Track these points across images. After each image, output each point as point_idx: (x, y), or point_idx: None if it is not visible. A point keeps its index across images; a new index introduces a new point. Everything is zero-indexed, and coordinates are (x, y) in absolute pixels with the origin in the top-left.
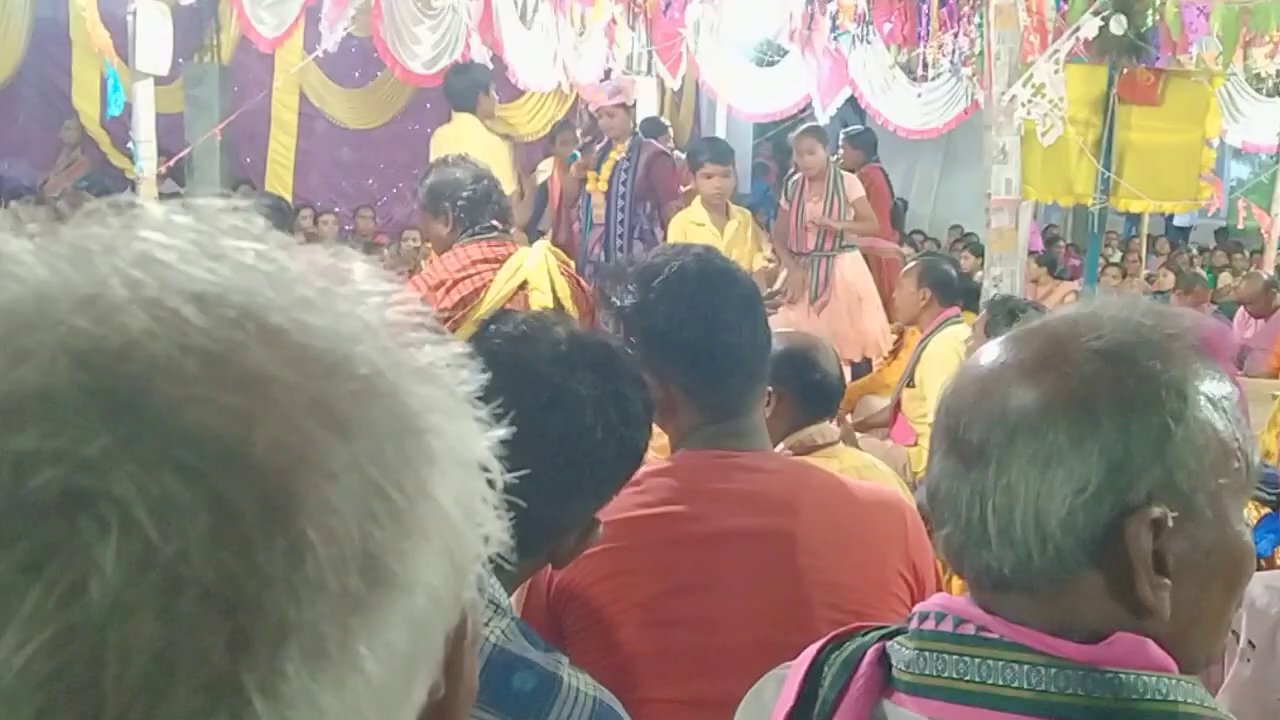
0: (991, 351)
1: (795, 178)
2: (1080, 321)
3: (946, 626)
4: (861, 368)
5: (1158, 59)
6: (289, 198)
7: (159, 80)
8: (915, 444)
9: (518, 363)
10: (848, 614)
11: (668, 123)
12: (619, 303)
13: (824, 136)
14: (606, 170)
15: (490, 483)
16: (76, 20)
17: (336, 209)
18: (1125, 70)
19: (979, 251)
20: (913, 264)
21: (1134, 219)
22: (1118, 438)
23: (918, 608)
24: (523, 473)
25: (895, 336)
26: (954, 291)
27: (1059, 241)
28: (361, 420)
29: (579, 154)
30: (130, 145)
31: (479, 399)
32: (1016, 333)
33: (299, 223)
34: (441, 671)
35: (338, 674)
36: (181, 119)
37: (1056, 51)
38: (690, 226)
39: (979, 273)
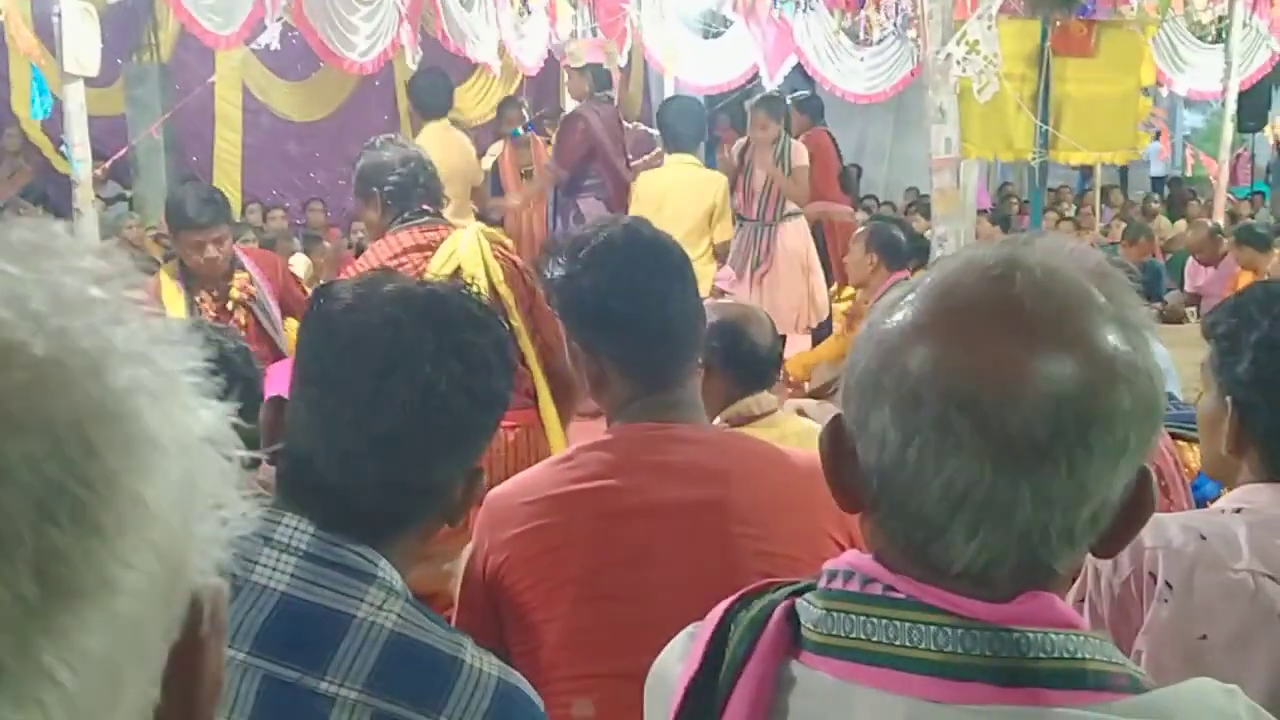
0: (979, 316)
1: (746, 147)
2: (1043, 271)
3: (854, 585)
4: (821, 334)
5: (1091, 10)
6: (237, 192)
7: (98, 82)
8: None
9: (352, 332)
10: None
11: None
12: (549, 274)
13: (778, 109)
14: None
15: (228, 457)
16: (8, 22)
17: (287, 204)
18: (1058, 23)
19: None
20: (861, 229)
21: (1087, 172)
22: (1151, 410)
23: (826, 565)
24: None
25: (850, 300)
26: (902, 254)
27: (1011, 199)
28: (33, 412)
29: (527, 127)
30: (64, 149)
31: (319, 375)
32: (990, 290)
33: (247, 218)
34: (172, 669)
35: (19, 688)
36: (123, 121)
37: (989, 8)
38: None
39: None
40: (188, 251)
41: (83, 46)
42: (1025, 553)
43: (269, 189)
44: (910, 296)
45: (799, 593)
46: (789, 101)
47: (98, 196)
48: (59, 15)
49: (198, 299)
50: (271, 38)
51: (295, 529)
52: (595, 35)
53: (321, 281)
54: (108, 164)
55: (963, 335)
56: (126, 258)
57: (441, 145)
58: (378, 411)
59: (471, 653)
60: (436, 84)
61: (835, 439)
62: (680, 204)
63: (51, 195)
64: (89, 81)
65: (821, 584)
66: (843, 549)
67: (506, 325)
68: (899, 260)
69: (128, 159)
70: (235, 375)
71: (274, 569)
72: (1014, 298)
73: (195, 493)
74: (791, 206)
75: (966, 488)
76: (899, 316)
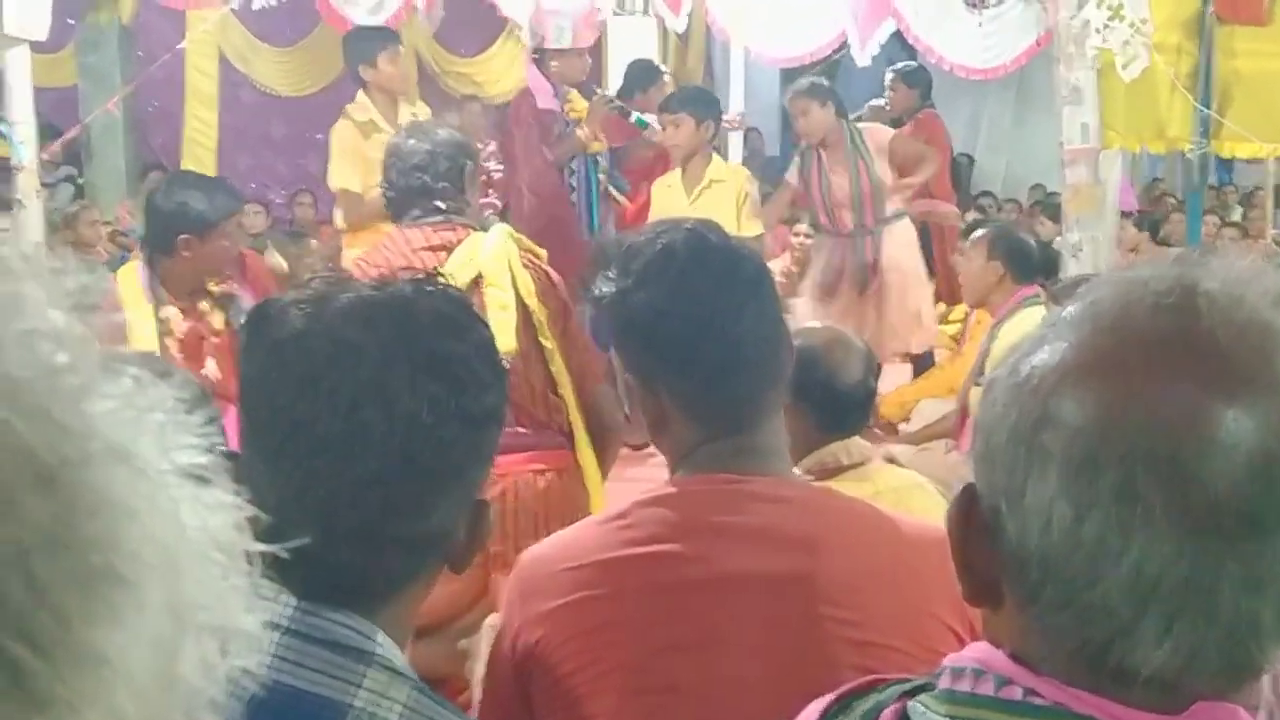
0: (1162, 354)
1: (808, 148)
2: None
3: (986, 688)
4: (924, 363)
5: None
6: None
7: (40, 47)
8: None
9: (305, 364)
10: None
11: (664, 68)
12: (597, 292)
13: (824, 94)
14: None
15: (233, 563)
16: None
17: (270, 195)
18: None
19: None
20: (980, 232)
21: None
22: None
23: (948, 660)
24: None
25: (959, 323)
26: (1032, 265)
27: (1166, 198)
28: None
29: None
30: (3, 128)
31: (272, 420)
32: (1169, 322)
33: None
34: None
35: None
36: (76, 93)
37: None
38: (663, 189)
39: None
40: (222, 245)
41: (30, 3)
42: (1229, 650)
43: (251, 177)
44: (1061, 328)
45: (912, 693)
46: (890, 74)
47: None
48: None
49: (161, 317)
50: None
51: (273, 603)
52: None
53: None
54: (55, 145)
55: (1144, 379)
56: (101, 283)
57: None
58: (353, 455)
59: None
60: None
61: (968, 515)
62: (709, 204)
63: None
64: (35, 46)
65: (942, 684)
66: (959, 640)
67: (540, 346)
68: (1028, 272)
69: (79, 139)
70: None
71: None
72: (1203, 332)
73: (182, 624)
74: (894, 205)
75: (1160, 571)
76: (1050, 354)
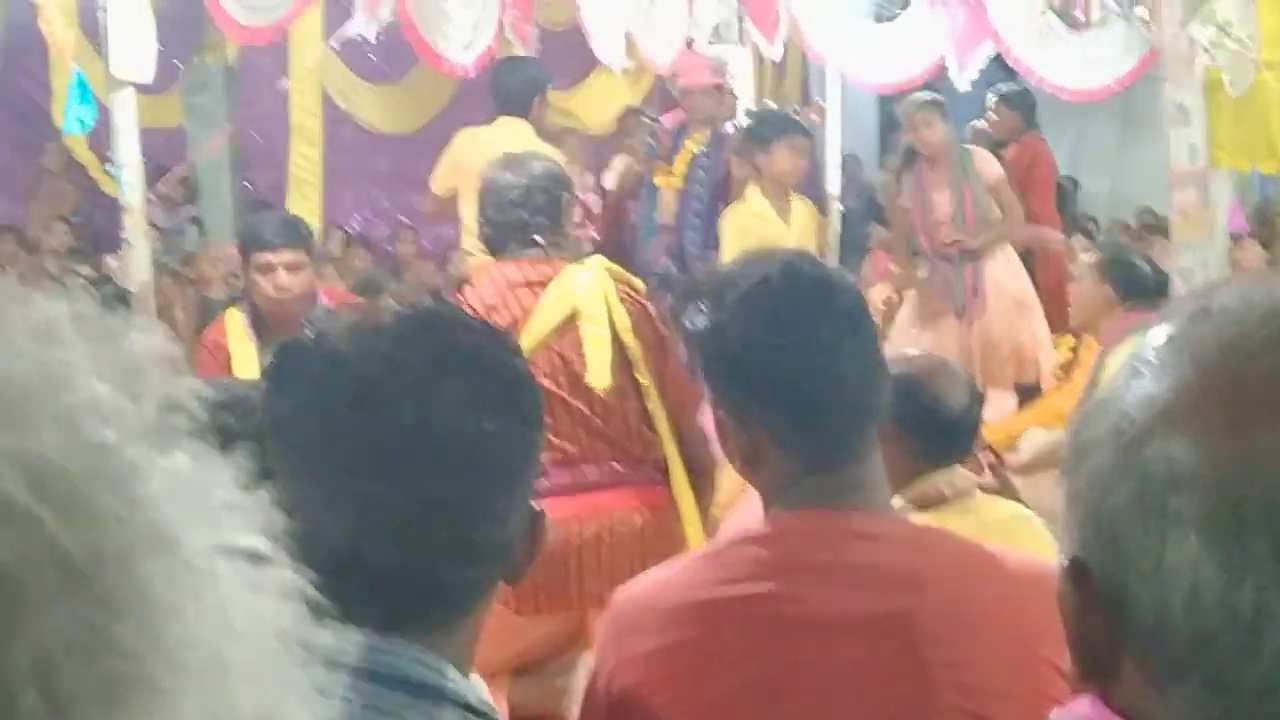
0: None
1: (909, 165)
2: None
3: None
4: (1030, 392)
5: None
6: (315, 219)
7: (147, 89)
8: None
9: (361, 394)
10: None
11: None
12: (690, 325)
13: (944, 109)
14: (681, 163)
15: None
16: (44, 18)
17: (376, 228)
18: None
19: None
20: (1090, 256)
21: None
22: None
23: (1055, 714)
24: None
25: (1070, 351)
26: (1144, 289)
27: (1277, 220)
28: None
29: (653, 143)
30: (110, 168)
31: (326, 450)
32: None
33: (328, 247)
34: None
35: None
36: (182, 133)
37: None
38: (750, 220)
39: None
40: (256, 280)
41: (134, 47)
42: None
43: (353, 214)
44: (1155, 373)
45: None
46: (993, 97)
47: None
48: (105, 10)
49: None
50: (358, 30)
51: (338, 640)
52: (741, 24)
53: None
54: (160, 185)
55: (1274, 422)
56: (163, 345)
57: (502, 142)
58: (425, 470)
59: None
60: (522, 75)
61: (1080, 591)
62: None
63: (100, 221)
64: (141, 88)
65: None
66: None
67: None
68: (1141, 297)
69: (186, 178)
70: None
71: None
72: None
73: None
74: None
75: None
76: (1155, 405)
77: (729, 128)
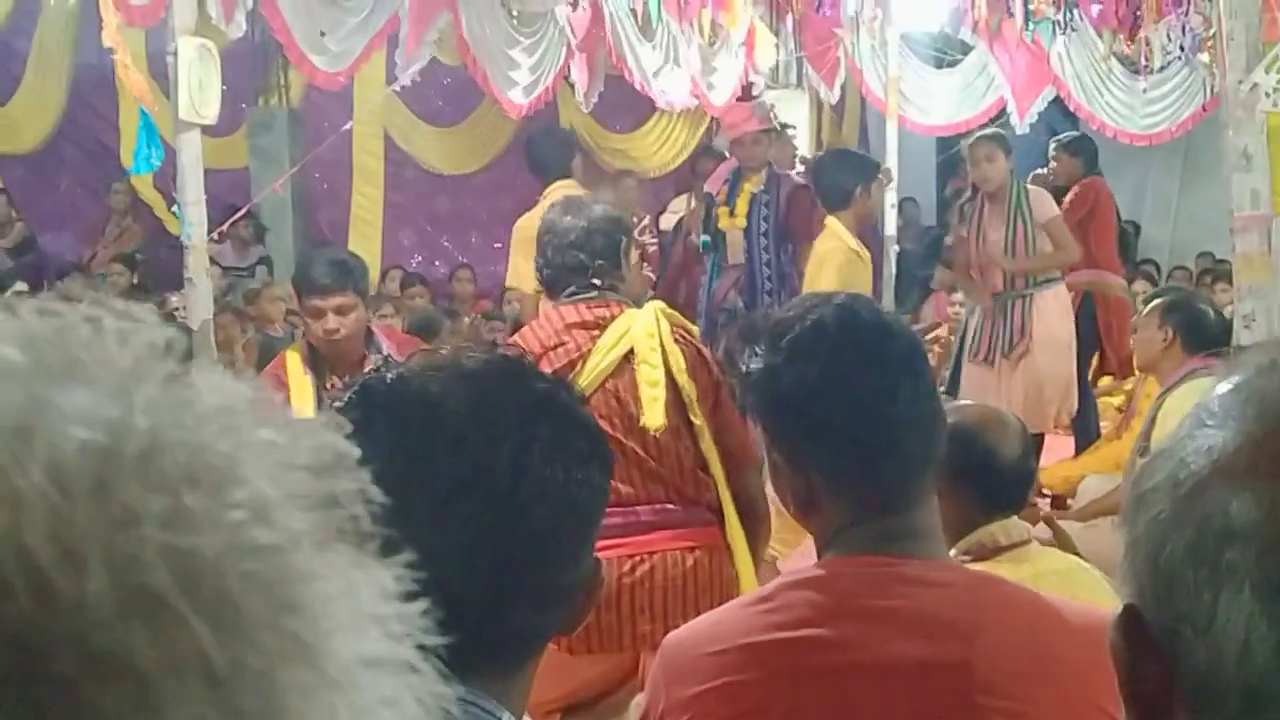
0: None
1: (971, 200)
2: None
3: None
4: (1089, 436)
5: None
6: (376, 258)
7: (218, 130)
8: None
9: (459, 431)
10: None
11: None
12: (745, 368)
13: (1006, 145)
14: (743, 204)
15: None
16: (120, 65)
17: (435, 267)
18: None
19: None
20: (1156, 300)
21: None
22: None
23: None
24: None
25: (1126, 396)
26: (1206, 335)
27: None
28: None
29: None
30: (175, 208)
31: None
32: None
33: (386, 286)
34: None
35: None
36: (247, 174)
37: None
38: (848, 254)
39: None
40: (308, 322)
41: (200, 89)
42: None
43: (413, 253)
44: (1220, 422)
45: None
46: (1054, 145)
47: (217, 266)
48: (174, 53)
49: (329, 385)
50: (408, 75)
51: None
52: (800, 68)
53: None
54: (226, 226)
55: None
56: (334, 438)
57: None
58: (526, 508)
59: None
60: (555, 140)
61: (1133, 639)
62: (814, 278)
63: (164, 260)
64: (208, 130)
65: None
66: None
67: (690, 423)
68: (1201, 341)
69: (250, 219)
70: None
71: None
72: None
73: None
74: (1050, 270)
75: None
76: (1217, 455)
77: (779, 171)
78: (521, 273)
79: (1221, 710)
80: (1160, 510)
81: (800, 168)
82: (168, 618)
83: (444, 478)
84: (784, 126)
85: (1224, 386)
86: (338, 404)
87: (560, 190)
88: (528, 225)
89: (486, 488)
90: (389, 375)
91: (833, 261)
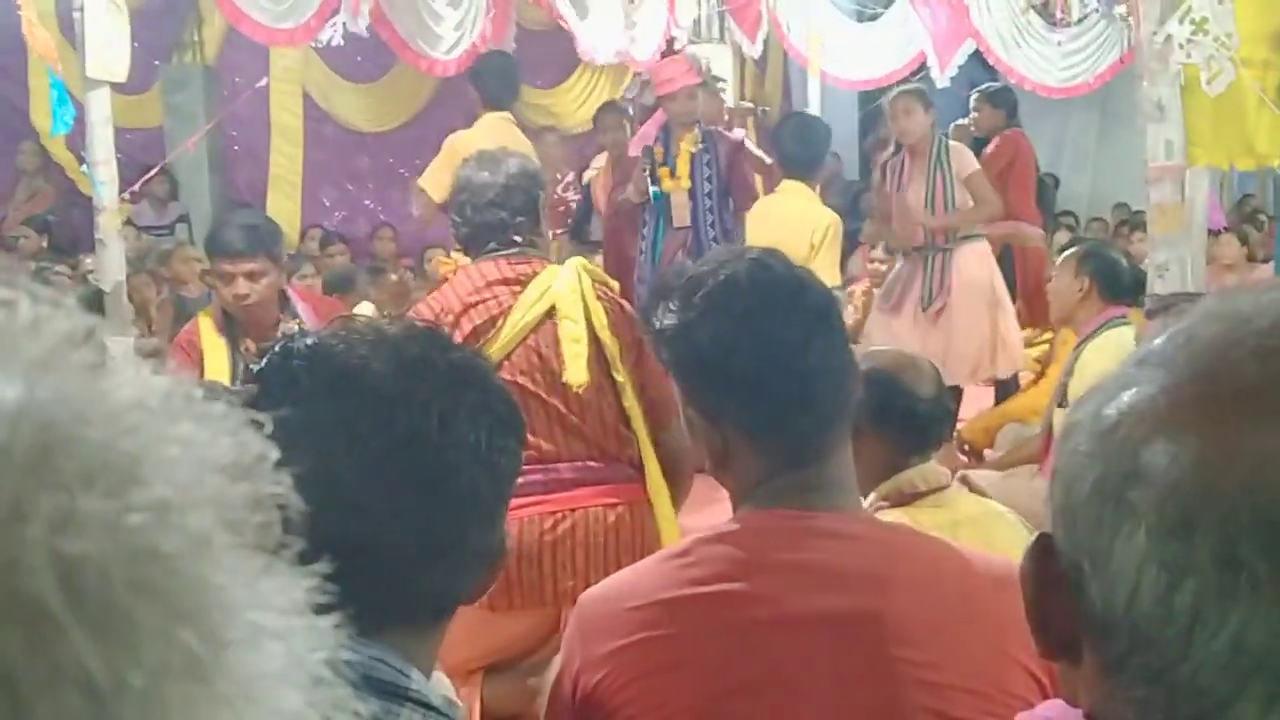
0: (1270, 406)
1: (894, 155)
2: None
3: None
4: (1008, 388)
5: None
6: (295, 218)
7: (130, 88)
8: None
9: (396, 393)
10: None
11: (724, 82)
12: (659, 324)
13: (926, 99)
14: (684, 165)
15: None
16: (26, 22)
17: (356, 226)
18: None
19: None
20: (1070, 250)
21: None
22: None
23: (1020, 718)
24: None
25: (1044, 345)
26: (1121, 284)
27: (1259, 215)
28: None
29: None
30: (85, 168)
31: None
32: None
33: (305, 246)
34: None
35: None
36: (161, 133)
37: None
38: (838, 225)
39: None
40: (217, 286)
41: (109, 46)
42: None
43: (333, 212)
44: (1150, 368)
45: None
46: (975, 95)
47: (134, 226)
48: (80, 9)
49: (242, 349)
50: (334, 33)
51: None
52: (722, 22)
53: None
54: (136, 185)
55: (1247, 433)
56: (255, 438)
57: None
58: (456, 469)
59: None
60: (505, 67)
61: (1043, 569)
62: (779, 237)
63: (78, 221)
64: (119, 88)
65: None
66: (1037, 682)
67: (612, 380)
68: (1116, 292)
69: (165, 177)
70: None
71: None
72: None
73: None
74: (977, 226)
75: (1263, 645)
76: (1139, 399)
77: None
78: (435, 181)
79: (1111, 645)
80: (1080, 442)
81: (728, 121)
82: (47, 626)
83: (374, 440)
84: (714, 79)
85: (1169, 330)
86: (257, 367)
87: (496, 123)
88: (462, 143)
89: (417, 450)
90: (311, 340)
91: (835, 232)
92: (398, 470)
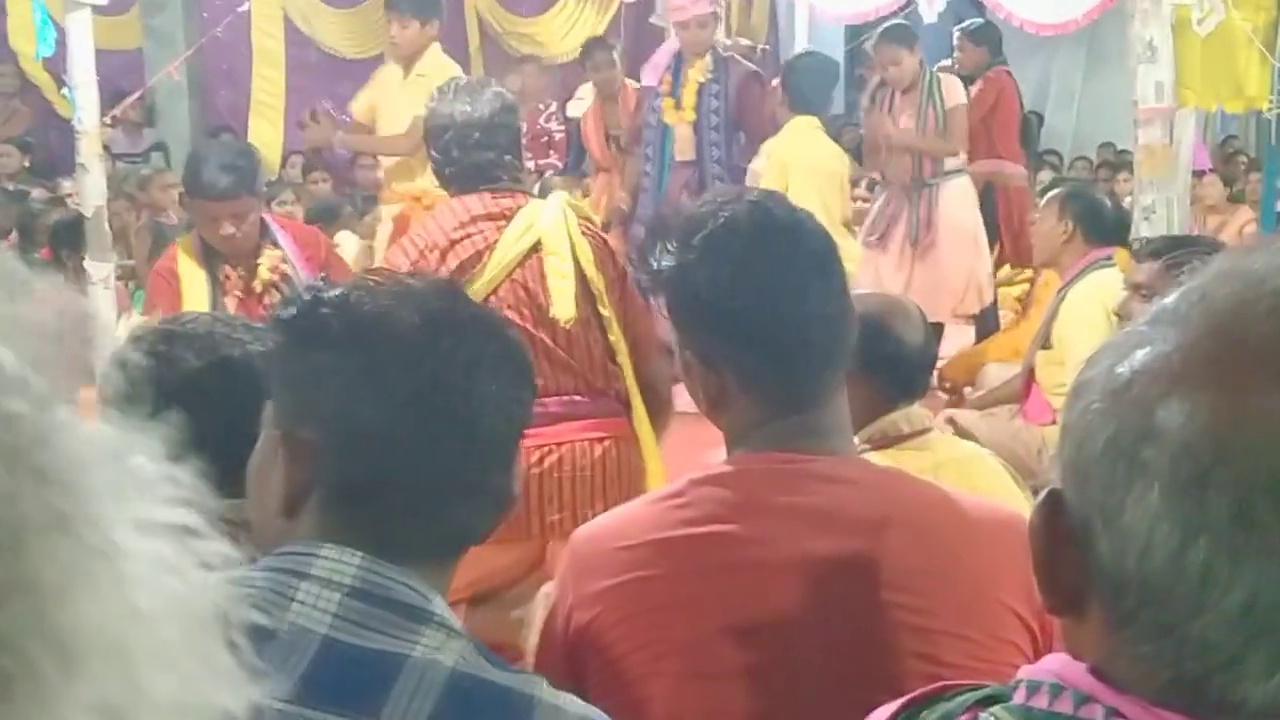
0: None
1: (881, 86)
2: None
3: (1065, 706)
4: (988, 325)
5: None
6: (278, 144)
7: (105, 10)
8: (1053, 421)
9: (417, 336)
10: (947, 668)
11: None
12: (657, 265)
13: (911, 39)
14: (689, 96)
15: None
16: None
17: (337, 152)
18: None
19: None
20: (1054, 192)
21: None
22: None
23: (1024, 673)
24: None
25: (1025, 284)
26: (1105, 226)
27: (1239, 156)
28: None
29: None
30: (66, 91)
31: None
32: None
33: (287, 173)
34: None
35: None
36: (141, 56)
37: None
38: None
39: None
40: (202, 224)
41: None
42: None
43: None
44: (1164, 326)
45: (985, 701)
46: (958, 34)
47: (108, 155)
48: None
49: (221, 277)
50: None
51: (338, 560)
52: None
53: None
54: (117, 110)
55: (1263, 392)
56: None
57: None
58: (483, 410)
59: (547, 690)
60: None
61: (1053, 525)
62: (806, 177)
63: (56, 145)
64: (98, 9)
65: (1017, 699)
66: (1028, 629)
67: (598, 314)
68: (1101, 234)
69: (141, 103)
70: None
71: (313, 607)
72: None
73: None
74: (955, 161)
75: (1273, 605)
76: (1154, 357)
77: (726, 55)
78: (363, 106)
79: (1121, 602)
80: (1092, 400)
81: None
82: None
83: (401, 385)
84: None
85: (1182, 289)
86: (284, 315)
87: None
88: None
89: (442, 396)
90: (339, 290)
91: (840, 178)
92: (423, 415)
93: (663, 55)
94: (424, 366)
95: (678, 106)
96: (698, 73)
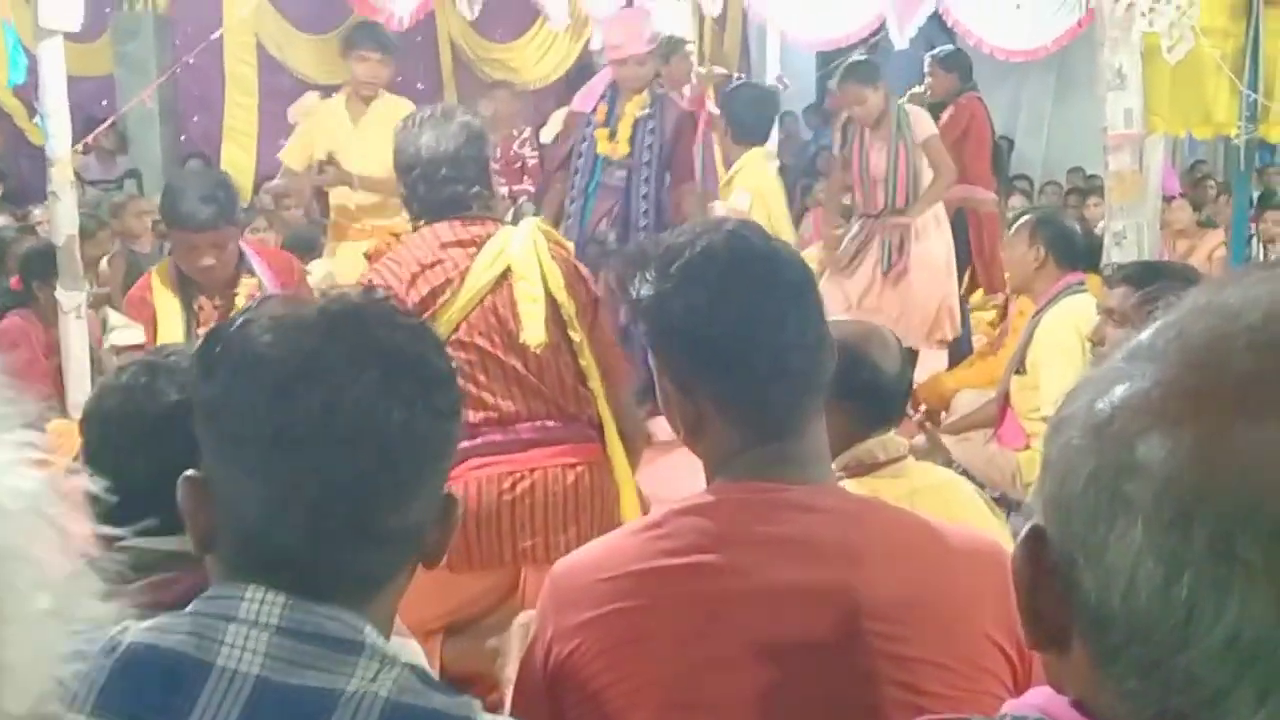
0: (1263, 399)
1: (851, 121)
2: None
3: None
4: (961, 350)
5: None
6: (250, 170)
7: (76, 36)
8: (1027, 447)
9: (279, 384)
10: (926, 697)
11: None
12: (635, 294)
13: (874, 76)
14: (625, 128)
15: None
16: None
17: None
18: None
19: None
20: (1024, 218)
21: None
22: None
23: (1008, 707)
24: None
25: (999, 312)
26: (1075, 252)
27: (1208, 181)
28: None
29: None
30: (38, 119)
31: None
32: (1272, 362)
33: (259, 200)
34: None
35: None
36: (113, 82)
37: None
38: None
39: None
40: (181, 255)
41: None
42: None
43: None
44: (1141, 362)
45: None
46: (929, 60)
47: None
48: None
49: (196, 307)
50: None
51: (262, 601)
52: None
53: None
54: (90, 137)
55: (1242, 426)
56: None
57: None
58: (335, 458)
59: (485, 714)
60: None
61: (1035, 560)
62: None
63: (27, 172)
64: (71, 36)
65: None
66: (1007, 658)
67: (569, 339)
68: (1072, 259)
69: (111, 131)
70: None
71: (244, 649)
72: None
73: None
74: (940, 199)
75: (1258, 638)
76: (1133, 392)
77: (663, 93)
78: (296, 152)
79: (1106, 638)
80: (1073, 436)
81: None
82: None
83: (265, 423)
84: (680, 42)
85: (1157, 324)
86: (199, 348)
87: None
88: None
89: (299, 431)
90: (236, 321)
91: (779, 196)
92: (289, 453)
93: (598, 83)
94: (295, 398)
95: (612, 138)
96: (635, 107)
